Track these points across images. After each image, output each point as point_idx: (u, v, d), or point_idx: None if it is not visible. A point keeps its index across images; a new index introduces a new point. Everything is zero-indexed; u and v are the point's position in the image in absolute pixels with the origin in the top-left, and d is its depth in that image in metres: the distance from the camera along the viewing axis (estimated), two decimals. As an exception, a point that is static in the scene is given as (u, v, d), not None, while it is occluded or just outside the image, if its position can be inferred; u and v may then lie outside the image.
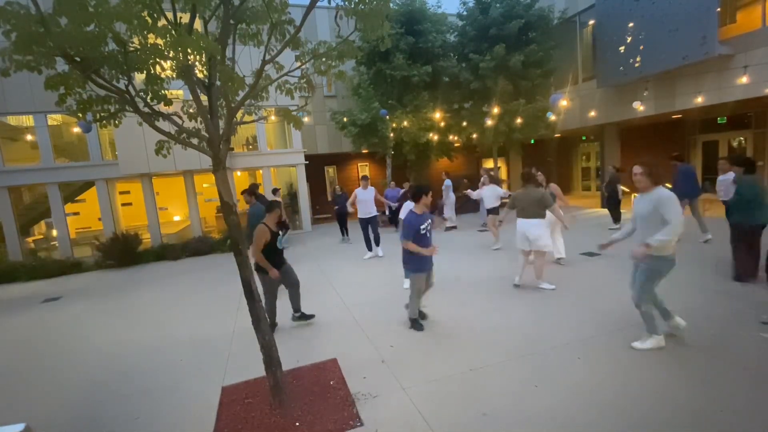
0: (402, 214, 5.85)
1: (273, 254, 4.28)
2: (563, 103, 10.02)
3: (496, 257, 7.14)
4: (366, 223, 7.97)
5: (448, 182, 10.88)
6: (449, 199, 10.80)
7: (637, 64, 10.31)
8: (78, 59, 2.29)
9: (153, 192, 11.24)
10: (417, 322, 4.29)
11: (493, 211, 8.38)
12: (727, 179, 5.85)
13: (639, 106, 10.44)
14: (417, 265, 4.14)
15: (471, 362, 3.44)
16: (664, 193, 3.15)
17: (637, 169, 3.26)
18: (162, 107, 2.76)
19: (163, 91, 2.59)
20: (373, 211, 8.01)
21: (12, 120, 11.09)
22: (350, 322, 4.66)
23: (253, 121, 3.40)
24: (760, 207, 4.65)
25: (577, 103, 12.93)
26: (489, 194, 8.48)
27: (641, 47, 10.11)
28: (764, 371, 2.94)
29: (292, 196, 13.78)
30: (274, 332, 4.43)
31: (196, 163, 10.25)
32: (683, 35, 9.13)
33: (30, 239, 12.21)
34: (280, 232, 4.45)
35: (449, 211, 10.84)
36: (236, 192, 7.63)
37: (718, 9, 8.56)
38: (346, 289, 6.05)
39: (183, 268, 8.99)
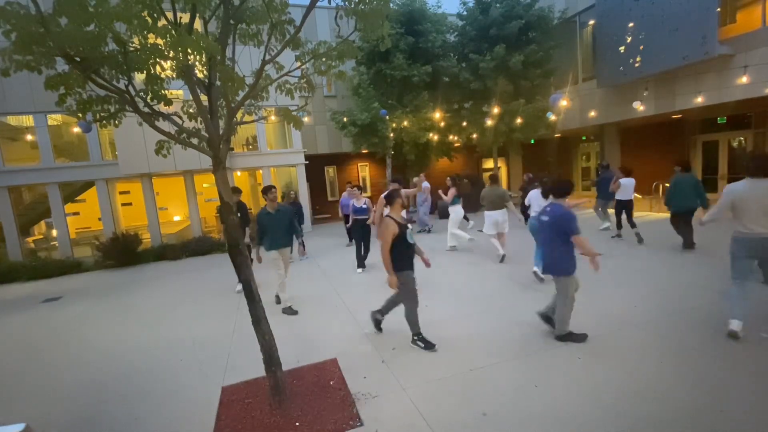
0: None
1: (404, 252, 3.66)
2: (563, 103, 10.01)
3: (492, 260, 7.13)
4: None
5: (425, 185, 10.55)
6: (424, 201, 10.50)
7: (637, 64, 10.32)
8: (78, 59, 2.30)
9: (153, 192, 11.25)
10: (573, 335, 3.66)
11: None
12: (630, 182, 7.37)
13: (639, 106, 10.44)
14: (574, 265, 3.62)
15: (471, 362, 3.44)
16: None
17: None
18: (162, 107, 2.76)
19: (163, 91, 2.59)
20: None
21: (12, 120, 11.09)
22: (350, 322, 4.66)
23: (253, 121, 3.40)
24: None
25: (577, 103, 12.94)
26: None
27: (641, 47, 10.11)
28: (765, 371, 2.94)
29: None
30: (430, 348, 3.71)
31: (196, 163, 10.25)
32: (683, 35, 9.13)
33: (30, 239, 12.23)
34: (410, 225, 3.82)
35: (424, 214, 10.57)
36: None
37: (718, 9, 8.57)
38: (346, 289, 6.05)
39: (183, 268, 8.99)
